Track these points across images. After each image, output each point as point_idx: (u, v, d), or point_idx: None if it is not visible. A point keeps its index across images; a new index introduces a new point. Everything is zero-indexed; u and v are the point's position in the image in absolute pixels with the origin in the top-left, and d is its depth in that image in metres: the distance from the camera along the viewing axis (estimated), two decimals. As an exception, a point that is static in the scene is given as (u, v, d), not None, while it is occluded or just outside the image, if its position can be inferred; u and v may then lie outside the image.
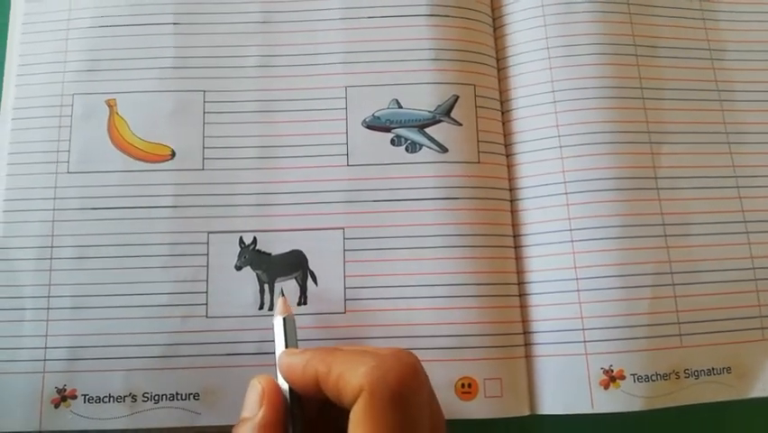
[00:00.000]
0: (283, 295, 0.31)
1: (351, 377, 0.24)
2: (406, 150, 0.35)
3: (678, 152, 0.36)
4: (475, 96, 0.36)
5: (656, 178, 0.35)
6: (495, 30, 0.38)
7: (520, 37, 0.37)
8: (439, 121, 0.35)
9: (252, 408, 0.26)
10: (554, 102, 0.36)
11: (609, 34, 0.37)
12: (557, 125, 0.35)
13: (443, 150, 0.35)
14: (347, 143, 0.35)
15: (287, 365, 0.27)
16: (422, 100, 0.35)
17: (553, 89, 0.36)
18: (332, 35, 0.36)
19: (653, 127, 0.36)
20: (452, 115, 0.35)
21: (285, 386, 0.27)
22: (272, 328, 0.29)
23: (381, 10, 0.36)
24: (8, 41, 0.37)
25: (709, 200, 0.36)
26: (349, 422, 0.23)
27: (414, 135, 0.35)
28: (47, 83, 0.36)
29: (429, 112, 0.35)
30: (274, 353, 0.29)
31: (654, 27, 0.38)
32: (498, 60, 0.37)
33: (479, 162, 0.35)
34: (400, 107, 0.35)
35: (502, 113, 0.36)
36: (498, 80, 0.37)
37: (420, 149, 0.35)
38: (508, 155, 0.36)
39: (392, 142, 0.35)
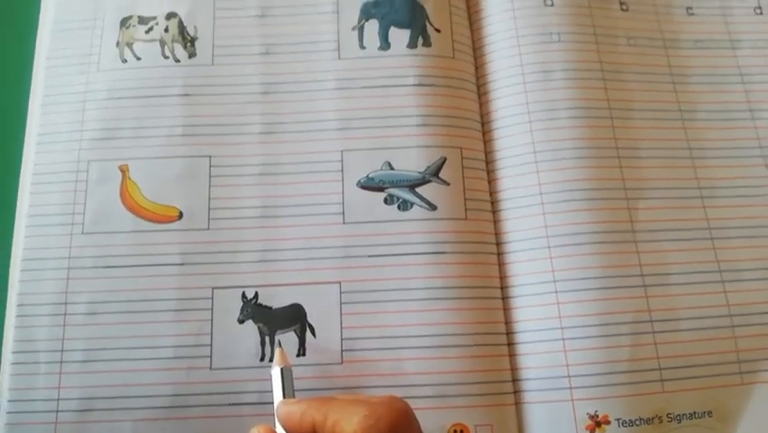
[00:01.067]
0: (280, 347, 0.33)
1: (345, 425, 0.25)
2: (399, 208, 0.37)
3: (654, 207, 0.38)
4: (462, 157, 0.38)
5: (634, 231, 0.37)
6: (479, 96, 0.41)
7: (503, 102, 0.40)
8: (428, 181, 0.37)
9: None
10: (536, 162, 0.38)
11: (585, 99, 0.39)
12: (539, 184, 0.38)
13: (433, 207, 0.37)
14: (343, 203, 0.37)
15: (285, 414, 0.28)
16: (412, 162, 0.38)
17: (534, 150, 0.38)
18: (329, 104, 0.39)
19: (630, 184, 0.38)
20: (441, 175, 0.38)
21: None
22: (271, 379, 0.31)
23: (374, 81, 0.39)
24: (29, 111, 0.40)
25: (685, 251, 0.38)
26: None
27: (405, 194, 0.37)
28: (65, 150, 0.38)
29: (419, 173, 0.38)
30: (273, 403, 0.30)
31: (627, 92, 0.40)
32: (482, 124, 0.40)
33: (466, 219, 0.37)
34: (392, 169, 0.38)
35: (487, 172, 0.39)
36: (484, 142, 0.39)
37: (411, 207, 0.37)
38: (494, 211, 0.38)
39: (385, 200, 0.37)
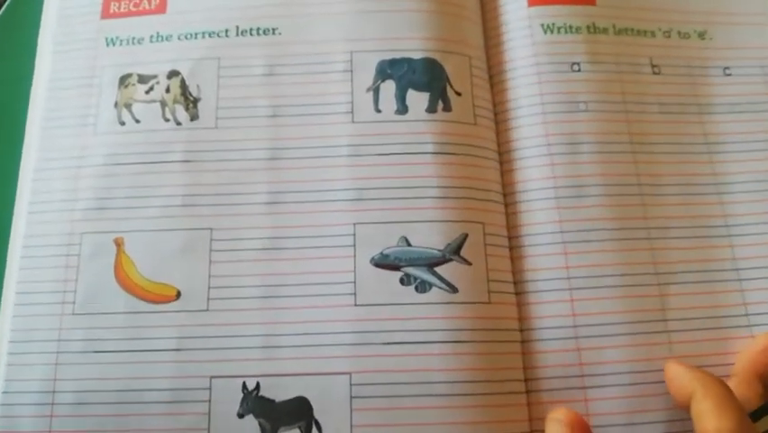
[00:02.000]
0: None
1: (712, 421, 0.26)
2: (416, 289, 0.34)
3: (686, 289, 0.35)
4: (484, 233, 0.35)
5: (665, 320, 0.35)
6: (501, 165, 0.38)
7: (527, 175, 0.37)
8: (449, 260, 0.35)
9: None
10: (563, 243, 0.35)
11: (614, 174, 0.37)
12: (566, 267, 0.35)
13: (454, 290, 0.34)
14: (355, 282, 0.34)
15: (675, 370, 0.31)
16: (431, 238, 0.35)
17: (561, 230, 0.35)
18: (341, 172, 0.36)
19: (662, 268, 0.35)
20: (462, 253, 0.35)
21: None
22: None
23: (390, 147, 0.36)
24: (20, 178, 0.37)
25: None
26: None
27: (424, 274, 0.34)
28: (57, 222, 0.35)
29: (438, 251, 0.35)
30: None
31: (658, 165, 0.38)
32: (504, 196, 0.37)
33: (489, 303, 0.34)
34: (409, 245, 0.35)
35: (510, 249, 0.36)
36: (506, 217, 0.37)
37: (430, 289, 0.34)
38: (518, 293, 0.35)
39: (401, 281, 0.34)
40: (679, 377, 0.30)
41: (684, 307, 0.35)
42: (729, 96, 0.40)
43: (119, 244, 0.35)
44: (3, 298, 0.35)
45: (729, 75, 0.40)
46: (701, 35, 0.41)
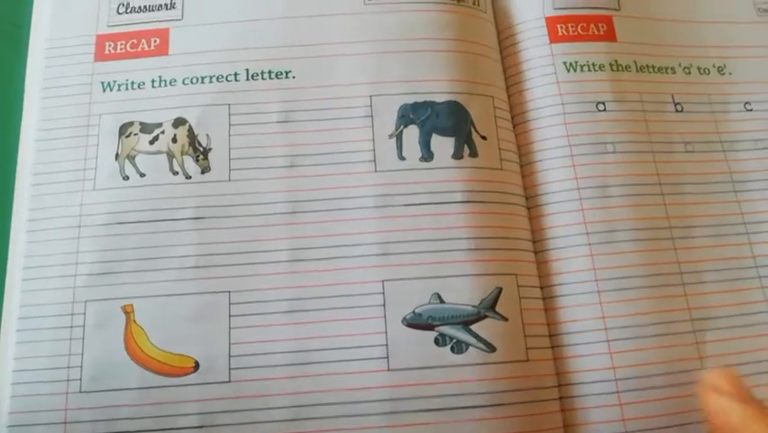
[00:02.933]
0: None
1: None
2: (452, 350, 0.32)
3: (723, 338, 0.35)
4: (517, 285, 0.34)
5: (701, 359, 0.34)
6: (528, 211, 0.36)
7: (556, 220, 0.35)
8: (484, 316, 0.33)
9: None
10: (598, 292, 0.34)
11: (645, 218, 0.35)
12: (603, 317, 0.33)
13: (491, 349, 0.32)
14: (387, 345, 0.32)
15: (720, 407, 0.26)
16: (465, 294, 0.33)
17: (595, 278, 0.34)
18: (366, 225, 0.34)
19: (696, 313, 0.34)
20: (497, 308, 0.33)
21: None
22: None
23: (417, 197, 0.34)
24: (11, 241, 0.34)
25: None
26: None
27: (460, 334, 0.32)
28: (56, 288, 0.32)
29: (473, 307, 0.33)
30: None
31: (687, 206, 0.37)
32: (534, 243, 0.35)
33: (527, 360, 0.33)
34: (443, 302, 0.33)
35: (543, 299, 0.34)
36: (537, 265, 0.35)
37: (467, 349, 0.32)
38: (554, 347, 0.34)
39: (436, 341, 0.32)
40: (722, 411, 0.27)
41: (723, 354, 0.34)
42: (752, 132, 0.39)
43: (128, 311, 0.32)
44: (-1, 378, 0.31)
45: (750, 110, 0.40)
46: (720, 70, 0.40)
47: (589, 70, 0.38)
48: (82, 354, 0.31)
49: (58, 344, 0.32)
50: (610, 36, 0.39)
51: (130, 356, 0.31)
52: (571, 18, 0.39)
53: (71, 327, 0.32)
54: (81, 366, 0.31)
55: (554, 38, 0.38)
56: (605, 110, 0.37)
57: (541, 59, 0.38)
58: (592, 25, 0.39)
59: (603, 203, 0.35)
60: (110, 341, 0.32)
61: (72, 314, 0.32)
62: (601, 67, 0.38)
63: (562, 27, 0.38)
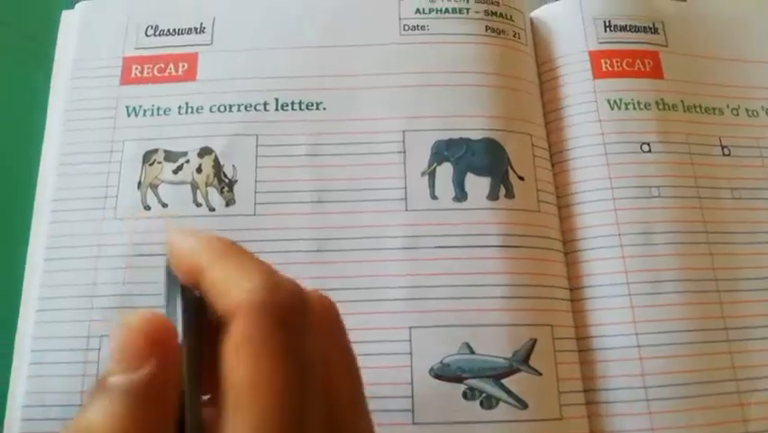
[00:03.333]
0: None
1: (231, 288, 0.18)
2: (481, 405, 0.30)
3: None
4: (553, 337, 0.32)
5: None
6: (566, 256, 0.34)
7: (595, 268, 0.34)
8: (517, 370, 0.31)
9: (129, 360, 0.18)
10: (638, 347, 0.32)
11: (690, 269, 0.34)
12: (642, 375, 0.32)
13: (523, 405, 0.31)
14: (412, 396, 0.31)
15: (177, 242, 0.21)
16: (496, 345, 0.31)
17: (636, 331, 0.32)
18: (394, 267, 0.32)
19: (742, 373, 0.32)
20: (531, 361, 0.31)
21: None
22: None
23: (449, 239, 0.33)
24: (27, 273, 0.33)
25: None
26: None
27: (490, 388, 0.31)
28: (71, 321, 0.31)
29: (505, 359, 0.31)
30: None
31: (735, 257, 0.35)
32: (570, 291, 0.34)
33: (561, 419, 0.31)
34: (473, 353, 0.31)
35: (579, 351, 0.33)
36: (573, 315, 0.33)
37: (497, 404, 0.30)
38: (589, 404, 0.32)
39: (464, 395, 0.31)
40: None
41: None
42: (805, 179, 0.37)
43: (145, 349, 0.31)
44: (6, 418, 0.30)
45: (803, 155, 0.38)
46: (770, 113, 0.38)
47: (634, 109, 0.36)
48: (96, 392, 0.30)
49: (70, 380, 0.30)
50: (657, 73, 0.37)
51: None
52: (616, 53, 0.37)
53: (85, 362, 0.31)
54: (94, 406, 0.30)
55: (598, 73, 0.37)
56: (650, 151, 0.35)
57: (583, 96, 0.36)
58: (638, 61, 0.37)
59: (646, 251, 0.34)
60: (125, 380, 0.30)
61: (87, 349, 0.31)
62: (647, 105, 0.36)
63: (606, 62, 0.37)
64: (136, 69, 0.36)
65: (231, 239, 0.21)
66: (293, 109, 0.35)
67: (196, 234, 0.21)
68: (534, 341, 0.32)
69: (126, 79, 0.36)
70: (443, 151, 0.34)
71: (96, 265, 0.32)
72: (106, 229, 0.33)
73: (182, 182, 0.34)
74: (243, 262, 0.20)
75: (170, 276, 0.21)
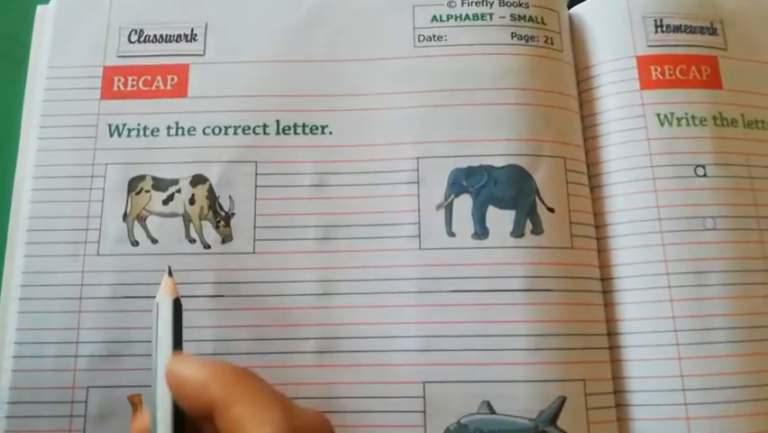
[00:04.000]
0: (171, 274, 0.26)
1: (251, 428, 0.20)
2: (502, 472, 0.29)
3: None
4: (585, 394, 0.30)
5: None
6: (603, 295, 0.32)
7: (637, 312, 0.31)
8: (543, 432, 0.29)
9: None
10: (685, 405, 0.30)
11: (747, 314, 0.31)
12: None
13: (549, 473, 0.29)
14: (426, 460, 0.29)
15: (179, 377, 0.23)
16: (520, 403, 0.30)
17: (683, 387, 0.30)
18: (406, 314, 0.31)
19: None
20: (559, 423, 0.29)
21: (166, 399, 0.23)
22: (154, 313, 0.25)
23: (467, 282, 0.31)
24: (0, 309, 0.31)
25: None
26: None
27: (512, 453, 0.29)
28: (53, 370, 0.30)
29: (530, 420, 0.29)
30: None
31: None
32: (609, 337, 0.31)
33: (592, 488, 0.29)
34: (493, 412, 0.30)
35: (617, 407, 0.30)
36: (610, 366, 0.31)
37: (519, 471, 0.29)
38: (625, 467, 0.30)
39: (483, 459, 0.29)
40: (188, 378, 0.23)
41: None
42: None
43: (136, 402, 0.29)
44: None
45: None
46: None
47: (688, 125, 0.33)
48: (83, 450, 0.29)
49: (55, 441, 0.29)
50: (715, 82, 0.34)
51: (136, 455, 0.29)
52: (668, 58, 0.34)
53: (71, 416, 0.30)
54: (82, 464, 0.29)
55: (646, 83, 0.33)
56: (704, 175, 0.32)
57: (628, 110, 0.34)
58: (694, 68, 0.34)
59: (697, 293, 0.31)
60: (114, 435, 0.30)
61: (72, 402, 0.31)
62: (702, 121, 0.33)
63: (656, 70, 0.33)
64: (119, 80, 0.34)
65: (240, 368, 0.23)
66: (296, 133, 0.32)
67: (205, 364, 0.23)
68: (564, 399, 0.30)
69: (108, 93, 0.34)
70: (462, 181, 0.32)
71: (80, 307, 0.31)
72: (89, 267, 0.32)
73: (173, 214, 0.32)
74: (259, 399, 0.21)
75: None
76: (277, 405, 0.21)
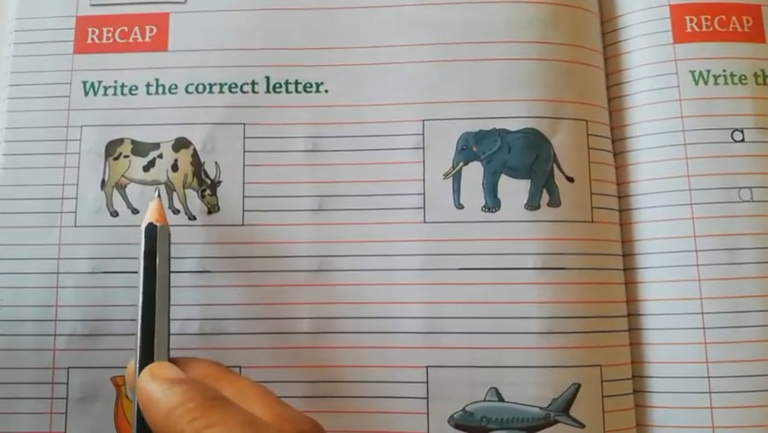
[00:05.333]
0: (159, 197, 0.27)
1: None
2: (509, 462, 0.29)
3: None
4: (601, 381, 0.29)
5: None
6: (625, 274, 0.31)
7: (664, 290, 0.31)
8: (554, 422, 0.29)
9: None
10: (709, 393, 0.29)
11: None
12: (712, 427, 0.29)
13: (560, 464, 0.29)
14: (429, 448, 0.29)
15: (147, 398, 0.23)
16: (531, 391, 0.29)
17: (708, 373, 0.29)
18: (409, 292, 0.30)
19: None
20: (572, 412, 0.29)
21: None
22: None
23: (475, 260, 0.30)
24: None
25: None
26: None
27: (520, 443, 0.29)
28: (32, 349, 0.30)
29: (541, 409, 0.29)
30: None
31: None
32: (629, 318, 0.30)
33: (606, 482, 0.29)
34: (501, 400, 0.29)
35: (635, 393, 0.30)
36: (630, 350, 0.30)
37: (528, 462, 0.29)
38: (643, 455, 0.30)
39: (490, 449, 0.29)
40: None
41: None
42: None
43: (119, 384, 0.30)
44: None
45: None
46: None
47: (726, 83, 0.32)
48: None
49: (36, 418, 0.30)
50: (757, 35, 0.32)
51: (121, 436, 0.29)
52: (706, 7, 0.32)
53: (51, 398, 0.30)
54: (63, 445, 0.29)
55: (680, 36, 0.32)
56: (742, 140, 0.31)
57: (659, 66, 0.32)
58: (734, 18, 0.32)
59: (729, 272, 0.31)
60: (98, 418, 0.30)
61: (53, 383, 0.30)
62: (742, 79, 0.31)
63: (692, 20, 0.32)
64: (93, 33, 0.33)
65: (211, 391, 0.23)
66: (287, 91, 0.31)
67: (175, 385, 0.23)
68: (578, 386, 0.29)
69: (81, 47, 0.33)
70: (472, 146, 0.31)
71: (58, 282, 0.31)
72: (66, 239, 0.31)
73: (155, 182, 0.31)
74: (230, 427, 0.21)
75: None
76: (250, 427, 0.21)
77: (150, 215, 0.26)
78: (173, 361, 0.25)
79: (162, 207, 0.27)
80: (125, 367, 0.28)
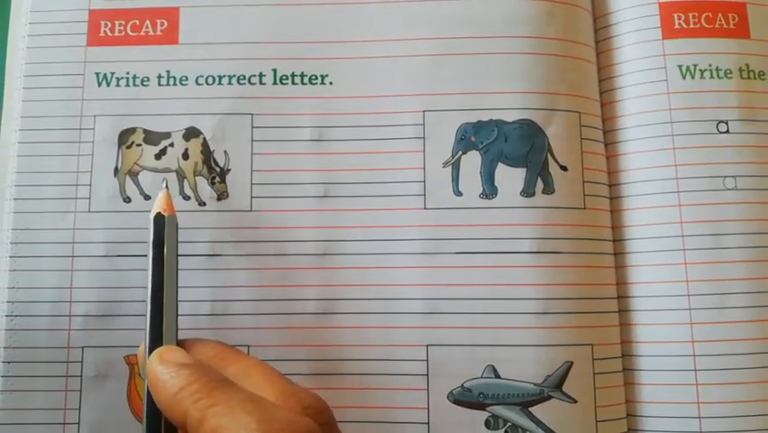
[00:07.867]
0: (167, 188, 0.31)
1: None
2: (505, 435, 0.33)
3: None
4: (593, 359, 0.34)
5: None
6: (615, 259, 0.35)
7: (649, 274, 0.35)
8: (548, 397, 0.33)
9: None
10: (695, 370, 0.34)
11: (763, 279, 0.34)
12: (698, 402, 0.34)
13: (553, 437, 0.33)
14: (428, 423, 0.33)
15: (154, 383, 0.26)
16: (526, 368, 0.34)
17: (693, 352, 0.34)
18: (410, 275, 0.34)
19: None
20: (565, 388, 0.33)
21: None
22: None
23: (473, 243, 0.34)
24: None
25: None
26: None
27: (516, 417, 0.33)
28: (47, 330, 0.34)
29: (535, 385, 0.33)
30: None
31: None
32: (618, 300, 0.35)
33: (598, 453, 0.33)
34: (498, 377, 0.33)
35: (624, 371, 0.34)
36: (620, 330, 0.35)
37: (523, 435, 0.33)
38: (631, 430, 0.34)
39: (487, 423, 0.33)
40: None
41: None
42: None
43: (132, 363, 0.34)
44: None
45: None
46: None
47: (712, 77, 0.36)
48: (79, 410, 0.33)
49: (51, 396, 0.34)
50: (742, 31, 0.36)
51: (134, 414, 0.33)
52: (693, 5, 0.37)
53: (66, 376, 0.34)
54: (78, 423, 0.33)
55: (669, 32, 0.36)
56: (727, 131, 0.35)
57: (648, 61, 0.36)
58: (720, 16, 0.36)
59: (713, 256, 0.35)
60: (111, 396, 0.34)
61: (68, 361, 0.34)
62: (728, 73, 0.36)
63: (680, 17, 0.36)
64: (106, 25, 0.37)
65: (215, 373, 0.26)
66: (294, 83, 0.35)
67: (182, 369, 0.26)
68: (571, 364, 0.33)
69: (94, 39, 0.37)
70: (470, 136, 0.35)
71: (73, 266, 0.35)
72: (81, 224, 0.35)
73: (166, 170, 0.35)
74: (232, 404, 0.24)
75: None
76: (253, 411, 0.23)
77: (158, 204, 0.29)
78: (181, 343, 0.28)
79: (170, 197, 0.30)
80: (137, 347, 0.32)
